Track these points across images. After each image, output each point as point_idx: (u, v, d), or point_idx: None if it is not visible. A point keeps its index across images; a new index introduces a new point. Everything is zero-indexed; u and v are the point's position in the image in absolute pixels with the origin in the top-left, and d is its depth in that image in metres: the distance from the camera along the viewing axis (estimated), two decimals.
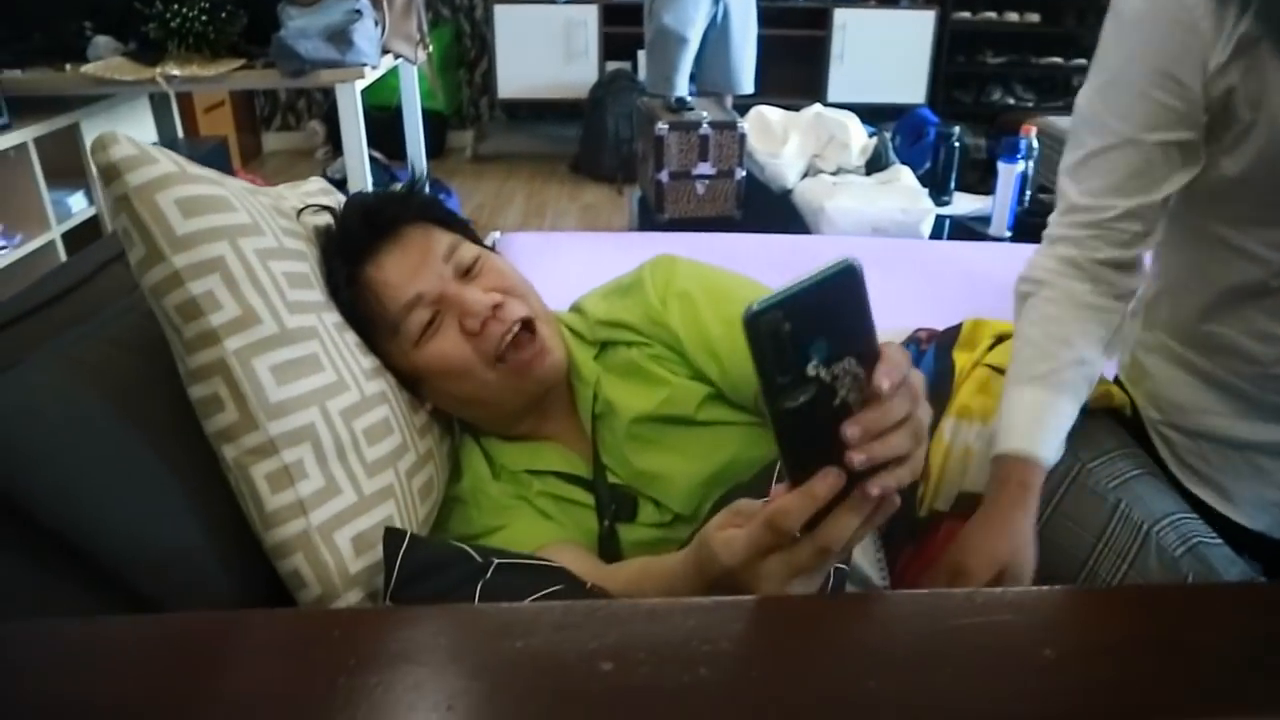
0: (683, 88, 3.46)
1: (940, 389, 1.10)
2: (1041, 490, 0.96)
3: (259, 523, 0.85)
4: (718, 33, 3.45)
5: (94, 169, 0.86)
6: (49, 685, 0.49)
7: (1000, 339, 1.16)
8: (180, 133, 3.29)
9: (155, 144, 0.90)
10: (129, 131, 0.89)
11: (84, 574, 0.78)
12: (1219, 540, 0.97)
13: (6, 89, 2.43)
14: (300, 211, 1.05)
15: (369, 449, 0.92)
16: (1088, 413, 1.03)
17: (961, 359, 1.14)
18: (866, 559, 1.01)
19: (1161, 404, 1.11)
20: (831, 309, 0.52)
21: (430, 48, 3.05)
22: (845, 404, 0.53)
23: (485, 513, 1.04)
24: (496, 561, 0.86)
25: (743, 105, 3.72)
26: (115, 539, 0.79)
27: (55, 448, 0.78)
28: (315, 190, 1.18)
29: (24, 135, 2.50)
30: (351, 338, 0.98)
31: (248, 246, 0.88)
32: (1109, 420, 1.10)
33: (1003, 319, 1.47)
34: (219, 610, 0.81)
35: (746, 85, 3.64)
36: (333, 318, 0.97)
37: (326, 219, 1.06)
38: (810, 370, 0.51)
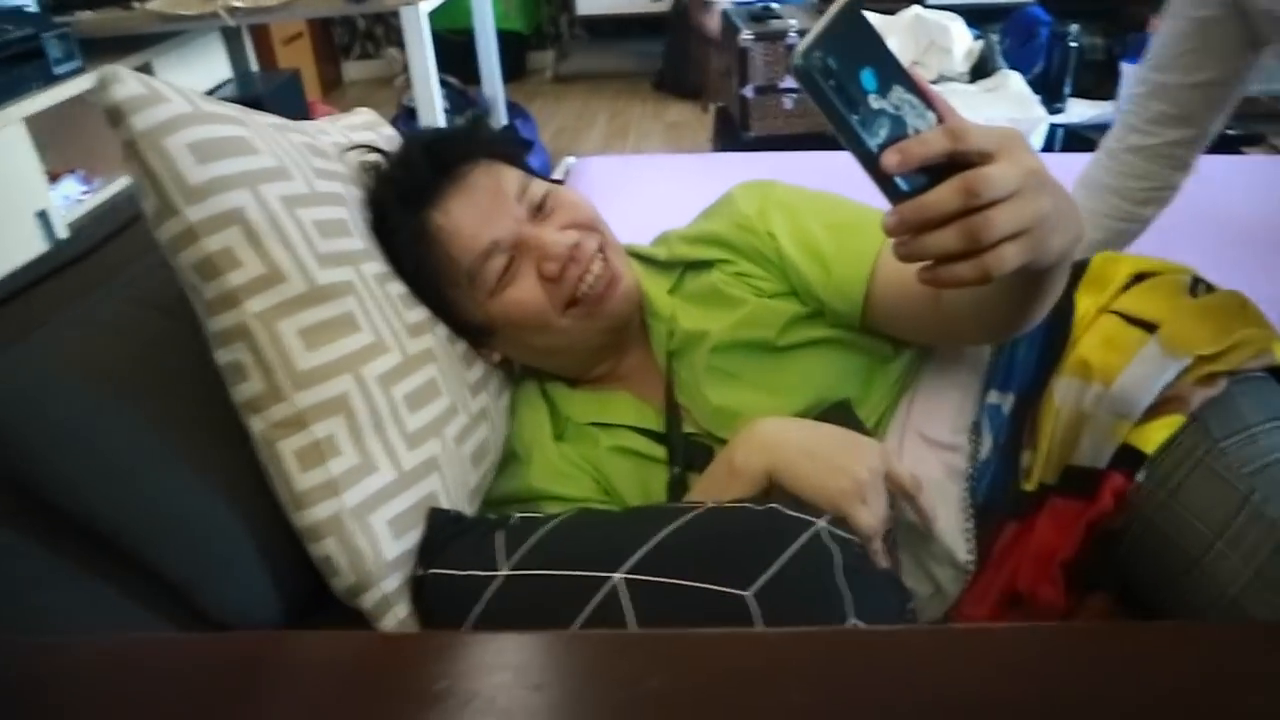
0: None
1: (1053, 339, 0.94)
2: (1154, 474, 0.84)
3: (289, 503, 0.78)
4: None
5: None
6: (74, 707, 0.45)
7: (1139, 277, 0.97)
8: (254, 66, 3.24)
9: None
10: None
11: (107, 558, 0.73)
12: None
13: (77, 31, 2.40)
14: (345, 151, 0.96)
15: (411, 417, 0.84)
16: (1234, 377, 0.87)
17: (1085, 302, 0.96)
18: (953, 529, 0.89)
19: None
20: (857, 40, 0.54)
21: None
22: (920, 135, 0.56)
23: (539, 474, 0.96)
24: (518, 515, 0.82)
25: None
26: (137, 523, 0.73)
27: (72, 425, 0.72)
28: (359, 123, 1.09)
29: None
30: (396, 288, 0.90)
31: (271, 193, 0.80)
32: (1263, 384, 0.90)
33: (1140, 252, 1.30)
34: (249, 606, 0.75)
35: None
36: (373, 268, 0.88)
37: (375, 158, 0.97)
38: (874, 103, 0.54)
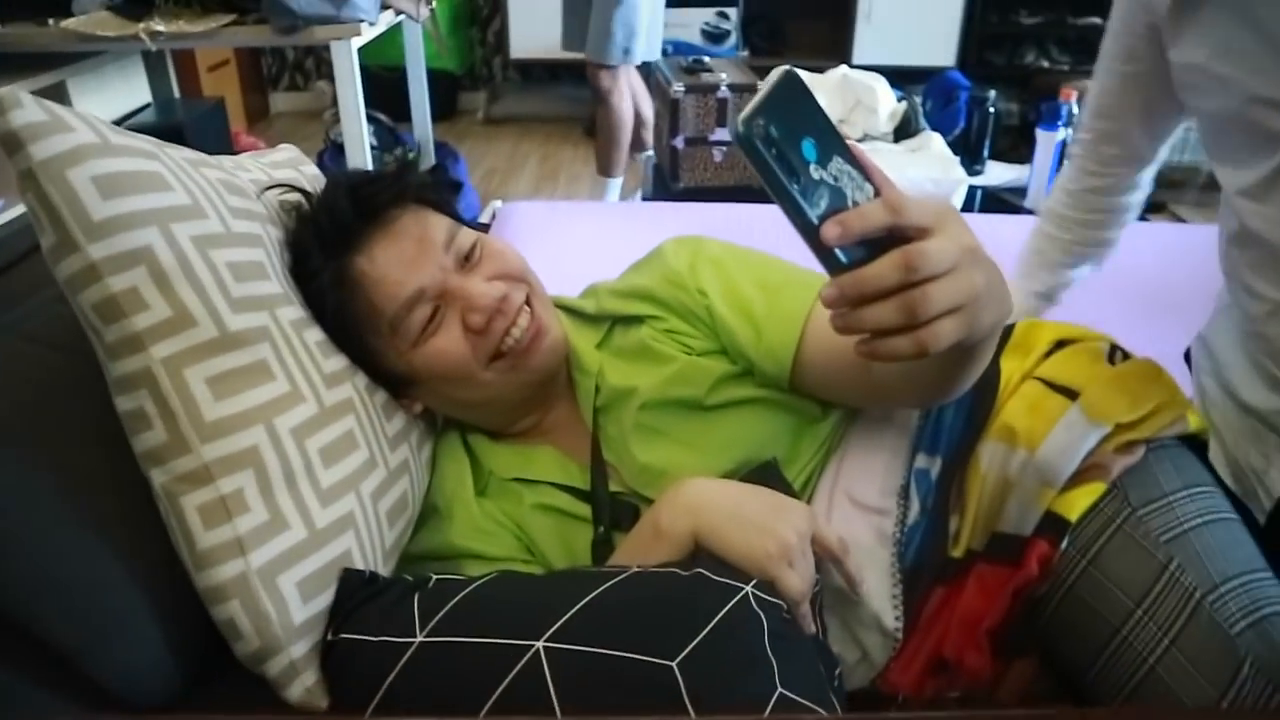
0: (638, 52, 3.05)
1: (979, 404, 0.94)
2: (1077, 541, 0.85)
3: (191, 562, 0.73)
4: None
5: None
6: None
7: (1060, 344, 0.99)
8: (177, 92, 3.15)
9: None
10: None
11: None
12: None
13: None
14: (263, 191, 0.93)
15: (326, 472, 0.80)
16: (1149, 446, 0.89)
17: (1009, 367, 0.97)
18: (881, 594, 0.89)
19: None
20: (798, 111, 0.55)
21: (434, 5, 2.89)
22: (859, 208, 0.56)
23: (460, 530, 0.93)
24: (435, 577, 0.79)
25: (765, 67, 3.55)
26: (20, 582, 0.68)
27: None
28: (281, 160, 1.05)
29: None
30: (313, 336, 0.87)
31: (183, 232, 0.76)
32: (1179, 453, 0.93)
33: (1051, 312, 1.34)
34: (142, 669, 0.69)
35: (598, 53, 3.06)
36: (290, 314, 0.84)
37: (296, 199, 0.94)
38: (814, 172, 0.54)
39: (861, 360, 0.85)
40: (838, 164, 0.56)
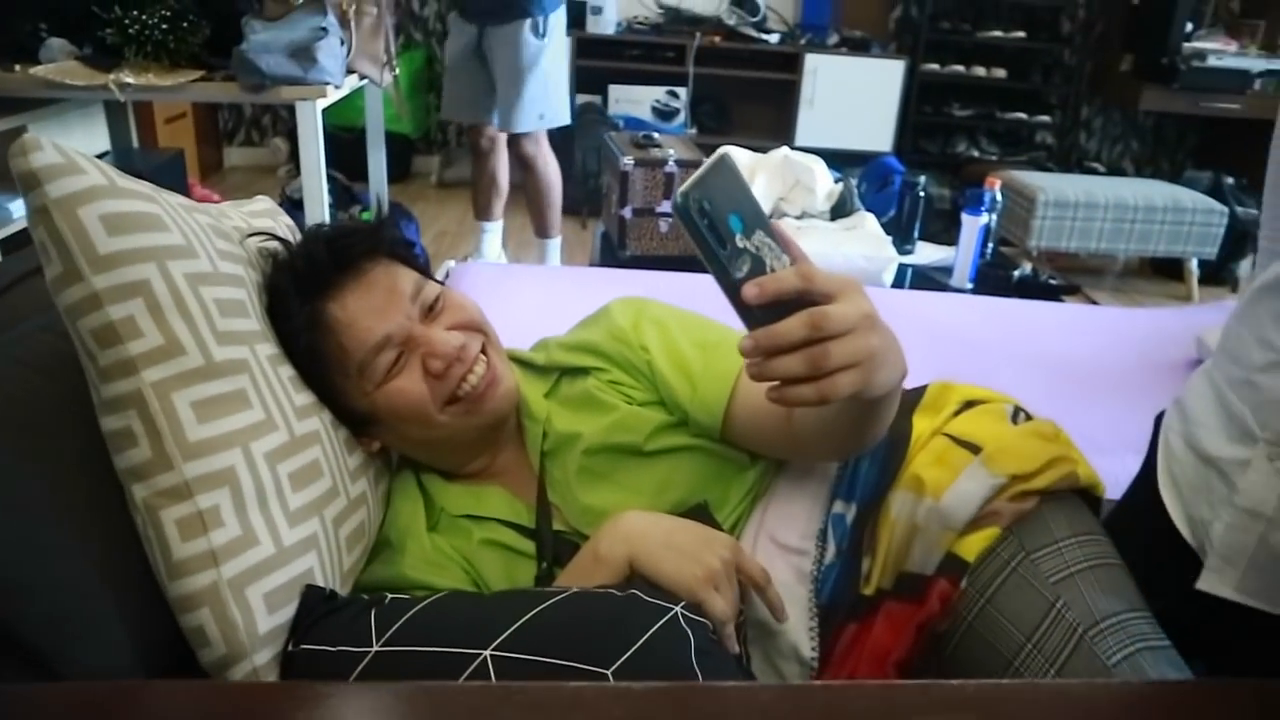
0: (451, 113, 3.52)
1: (891, 457, 1.03)
2: (976, 581, 0.93)
3: (164, 571, 0.79)
4: (491, 70, 3.32)
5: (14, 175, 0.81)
6: None
7: (968, 404, 1.08)
8: (135, 142, 3.20)
9: (106, 153, 0.85)
10: (80, 139, 0.84)
11: None
12: (1166, 643, 0.91)
13: None
14: (246, 237, 1.00)
15: (294, 495, 0.86)
16: (1044, 496, 0.98)
17: (921, 424, 1.06)
18: (799, 627, 0.96)
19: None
20: (729, 189, 0.63)
21: (398, 71, 3.00)
22: (775, 273, 0.65)
23: (412, 563, 0.99)
24: (391, 596, 0.85)
25: (711, 145, 3.71)
26: (2, 582, 0.72)
27: None
28: (261, 210, 1.13)
29: None
30: (286, 371, 0.93)
31: (177, 270, 0.83)
32: (1070, 503, 1.01)
33: (970, 381, 1.44)
34: (111, 673, 0.74)
35: (511, 123, 3.36)
36: (267, 349, 0.91)
37: (275, 246, 1.01)
38: (739, 242, 0.63)
39: (782, 414, 0.95)
40: (760, 236, 0.65)
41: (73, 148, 0.82)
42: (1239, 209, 4.25)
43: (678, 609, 0.80)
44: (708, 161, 0.64)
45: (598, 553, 0.89)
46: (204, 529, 0.79)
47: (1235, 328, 1.06)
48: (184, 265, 0.84)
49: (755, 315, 0.65)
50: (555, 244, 3.69)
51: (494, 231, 3.69)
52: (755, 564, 0.91)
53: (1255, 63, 4.85)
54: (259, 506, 0.83)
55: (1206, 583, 0.99)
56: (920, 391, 1.13)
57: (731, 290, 0.64)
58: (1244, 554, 0.97)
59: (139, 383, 0.79)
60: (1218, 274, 4.44)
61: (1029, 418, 1.10)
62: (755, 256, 0.65)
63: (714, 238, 0.62)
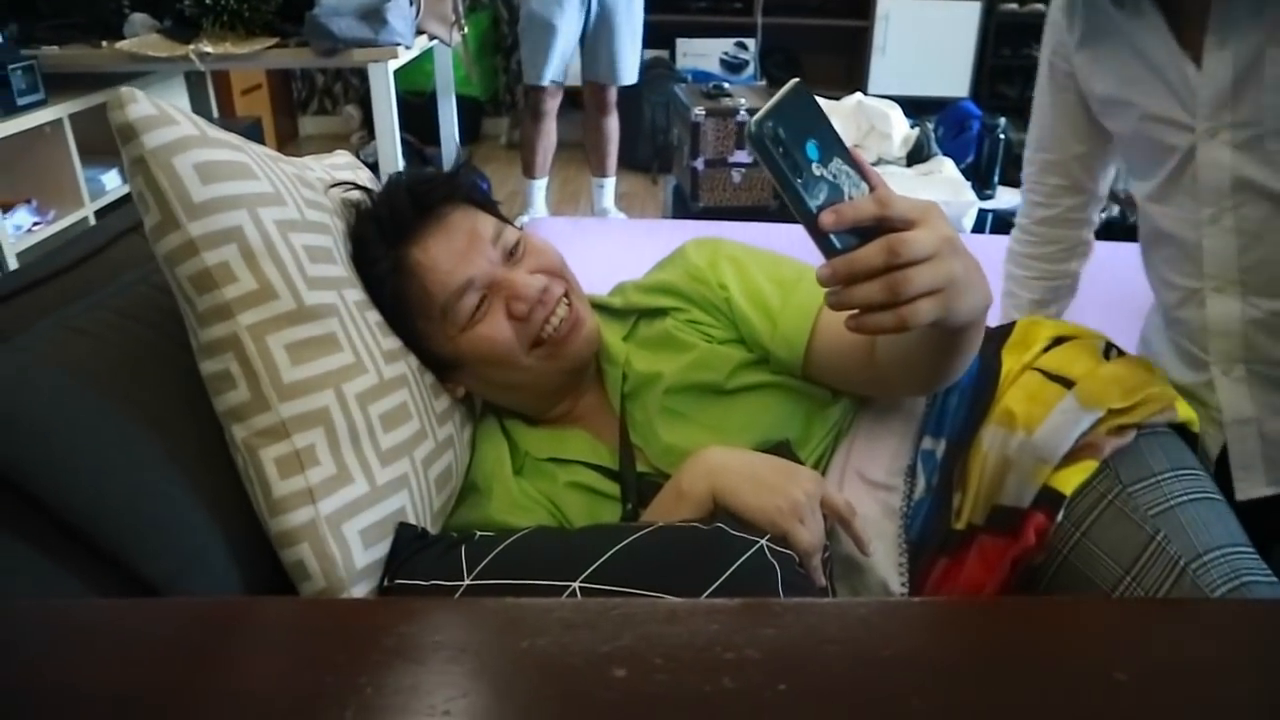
0: (551, 76, 3.38)
1: (981, 392, 1.01)
2: (1071, 514, 0.92)
3: (265, 508, 0.82)
4: (596, 22, 3.35)
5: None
6: (41, 668, 0.47)
7: (1058, 340, 1.06)
8: (215, 113, 3.28)
9: (178, 106, 0.87)
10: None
11: (84, 553, 0.75)
12: (1273, 579, 0.89)
13: (43, 65, 2.42)
14: (330, 187, 1.02)
15: (385, 435, 0.88)
16: (1140, 430, 0.97)
17: (1010, 361, 1.04)
18: (888, 563, 0.96)
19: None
20: (804, 116, 0.62)
21: (466, 30, 3.02)
22: (853, 200, 0.64)
23: (499, 506, 1.01)
24: (479, 533, 0.87)
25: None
26: (114, 518, 0.76)
27: (54, 422, 0.75)
28: (342, 164, 1.15)
29: (60, 111, 2.49)
30: (374, 317, 0.95)
31: (268, 216, 0.85)
32: (1167, 438, 1.00)
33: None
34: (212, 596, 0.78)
35: (628, 76, 3.52)
36: (354, 295, 0.93)
37: (358, 196, 1.03)
38: (816, 170, 0.62)
39: (866, 347, 0.94)
40: (837, 164, 0.64)
41: (165, 102, 0.84)
42: None
43: (763, 541, 0.80)
44: (783, 89, 0.62)
45: (681, 488, 0.89)
46: (301, 467, 0.82)
47: (1148, 276, 1.24)
48: (274, 212, 0.86)
49: (833, 243, 0.64)
50: (613, 181, 3.83)
51: (543, 187, 3.76)
52: (839, 497, 0.90)
53: None
54: (352, 446, 0.85)
55: (1243, 492, 1.08)
56: (1009, 328, 1.11)
57: (808, 219, 0.63)
58: (1255, 455, 1.10)
59: (235, 326, 0.81)
60: None
61: (1121, 354, 1.08)
62: (833, 184, 0.64)
63: (789, 165, 0.61)
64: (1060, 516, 0.93)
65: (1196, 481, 0.96)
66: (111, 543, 0.76)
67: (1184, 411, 1.03)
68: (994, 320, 1.04)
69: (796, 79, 0.64)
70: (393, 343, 0.97)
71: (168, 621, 0.54)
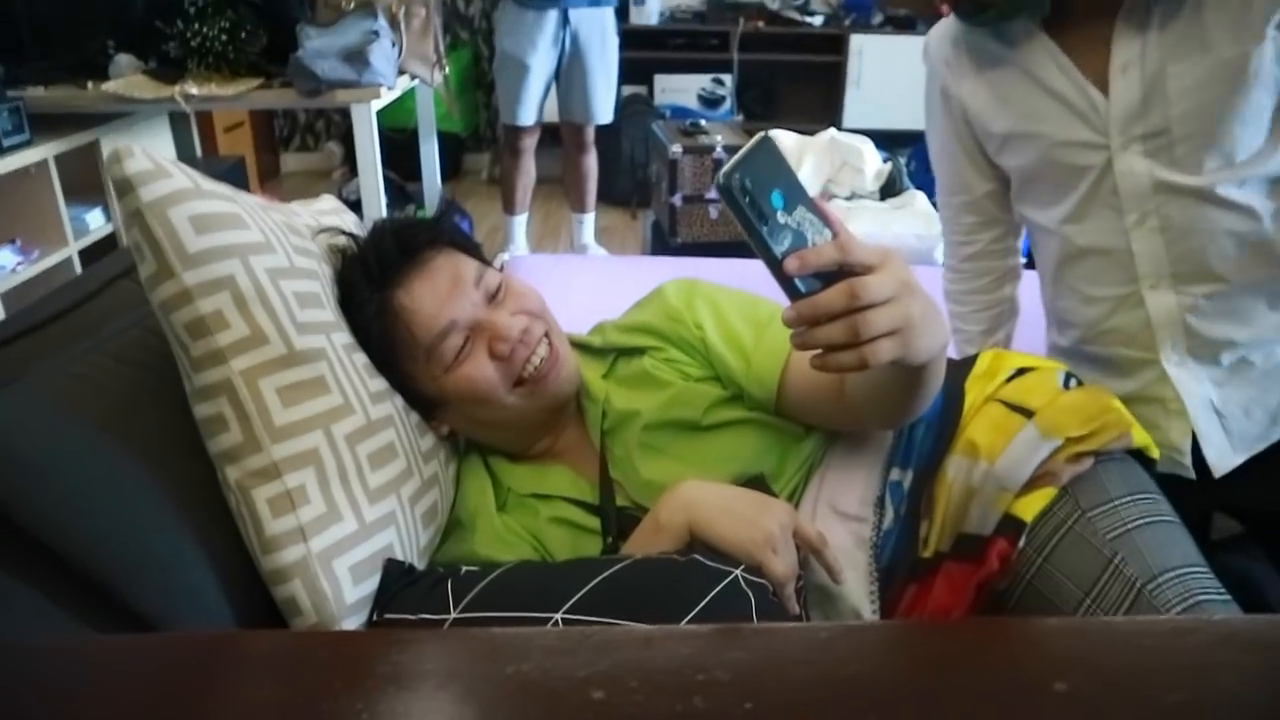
0: (527, 116, 3.42)
1: (946, 424, 1.05)
2: (1033, 540, 0.96)
3: (257, 547, 0.85)
4: (570, 62, 3.39)
5: (109, 182, 0.87)
6: (38, 705, 0.49)
7: (1020, 371, 1.10)
8: (199, 151, 3.32)
9: (173, 160, 0.91)
10: (147, 149, 0.89)
11: (80, 590, 0.78)
12: (1227, 597, 0.92)
13: (29, 106, 2.46)
14: (317, 233, 1.06)
15: (372, 474, 0.92)
16: (1098, 457, 1.01)
17: (974, 392, 1.08)
18: (859, 591, 0.99)
19: None
20: (770, 168, 0.66)
21: (448, 70, 3.07)
22: (816, 246, 0.68)
23: (483, 541, 1.03)
24: (464, 568, 0.90)
25: (758, 130, 3.72)
26: (110, 556, 0.79)
27: (53, 462, 0.78)
28: (328, 208, 1.19)
29: (45, 152, 2.52)
30: (360, 359, 0.99)
31: (259, 265, 0.89)
32: (1124, 464, 1.03)
33: (1027, 350, 1.46)
34: (208, 630, 0.80)
35: (603, 116, 3.55)
36: (342, 338, 0.97)
37: (344, 242, 1.07)
38: (781, 218, 0.66)
39: (835, 384, 0.98)
40: (801, 212, 0.68)
41: (159, 154, 0.88)
42: None
43: (738, 571, 0.83)
44: (750, 142, 0.66)
45: (659, 521, 0.93)
46: (292, 506, 0.85)
47: (1054, 305, 1.34)
48: (265, 260, 0.89)
49: (798, 288, 0.68)
50: (593, 216, 3.87)
51: (524, 222, 3.81)
52: (811, 528, 0.94)
53: None
54: (341, 485, 0.88)
55: (1220, 468, 1.22)
56: (973, 360, 1.15)
57: (774, 264, 0.67)
58: (1218, 428, 1.22)
59: (228, 371, 0.85)
60: None
61: (1080, 383, 1.12)
62: (797, 231, 0.67)
63: (756, 215, 0.65)
64: (1022, 542, 0.96)
65: (1152, 505, 1.00)
66: (107, 579, 0.79)
67: (1140, 437, 1.06)
68: (951, 354, 1.09)
69: (764, 133, 0.68)
70: (379, 384, 1.00)
71: (166, 654, 0.56)
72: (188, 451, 0.88)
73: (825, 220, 0.70)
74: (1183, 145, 1.14)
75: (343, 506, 0.88)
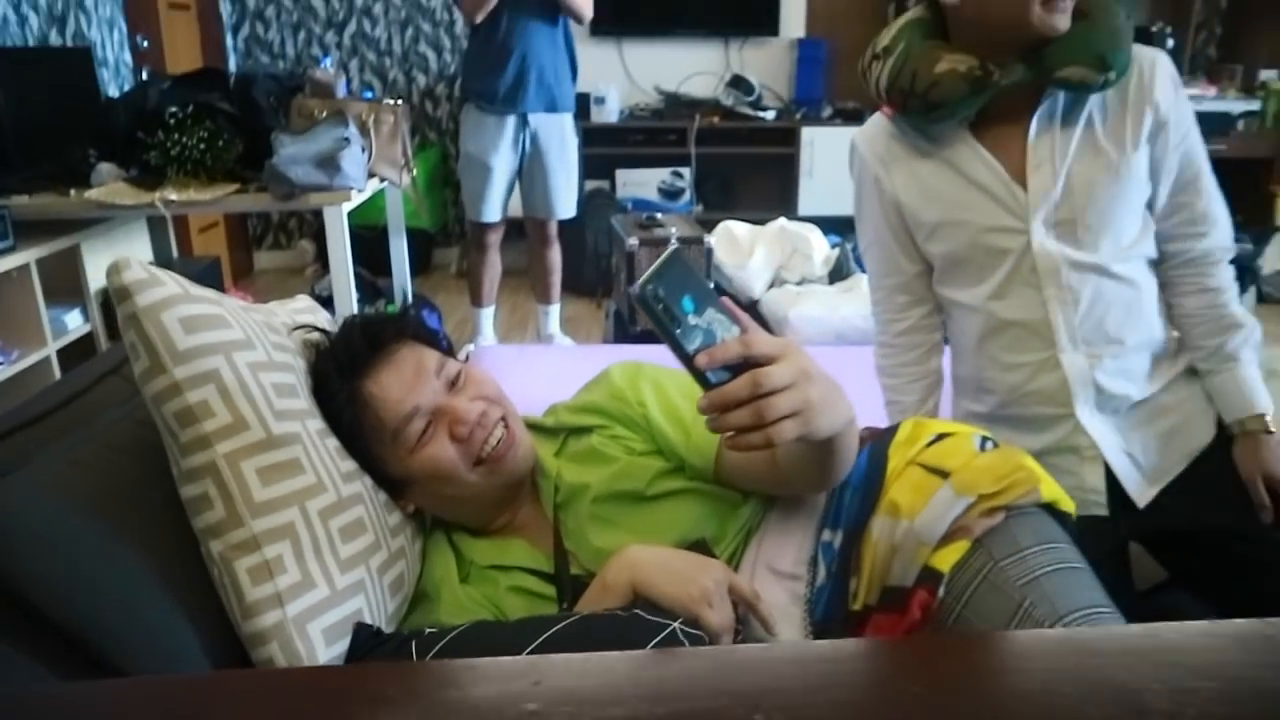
0: (491, 213, 3.59)
1: (871, 487, 1.14)
2: (952, 590, 1.04)
3: (238, 612, 0.93)
4: (530, 161, 3.56)
5: (107, 290, 0.97)
6: None
7: (940, 436, 1.18)
8: (175, 252, 3.43)
9: (152, 263, 1.01)
10: (125, 251, 1.01)
11: (79, 656, 0.86)
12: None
13: (14, 214, 2.55)
14: (293, 330, 1.16)
15: (343, 546, 1.00)
16: (1009, 512, 1.09)
17: (896, 458, 1.16)
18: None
19: None
20: (681, 277, 0.75)
21: (415, 171, 3.22)
22: (723, 343, 0.77)
23: (447, 610, 1.11)
24: (427, 630, 0.98)
25: (716, 220, 3.90)
26: (106, 624, 0.87)
27: (55, 542, 0.87)
28: (303, 307, 1.30)
29: (27, 256, 2.60)
30: (333, 443, 1.08)
31: (241, 360, 0.99)
32: (1035, 517, 1.11)
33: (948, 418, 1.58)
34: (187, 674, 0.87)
35: (565, 211, 3.72)
36: (315, 424, 1.07)
37: (317, 337, 1.17)
38: (692, 320, 0.75)
39: (768, 457, 1.08)
40: (711, 313, 0.78)
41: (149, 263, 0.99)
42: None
43: (676, 625, 0.92)
44: (661, 257, 0.76)
45: (605, 582, 1.02)
46: (270, 575, 0.93)
47: (971, 375, 1.52)
48: (246, 356, 1.00)
49: (709, 380, 0.77)
50: (558, 307, 4.02)
51: (491, 314, 3.94)
52: (745, 584, 1.03)
53: (1235, 105, 5.02)
54: (315, 556, 0.97)
55: (1141, 499, 1.40)
56: (895, 429, 1.26)
57: (687, 360, 0.76)
58: (1130, 466, 1.40)
59: (213, 454, 0.94)
60: None
61: (996, 445, 1.22)
62: (707, 330, 0.77)
63: (669, 319, 0.74)
64: (942, 592, 1.04)
65: (1060, 553, 1.07)
66: (101, 644, 0.87)
67: (1050, 491, 1.15)
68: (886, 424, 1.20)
69: (674, 247, 0.79)
70: (350, 465, 1.09)
71: (148, 696, 0.64)
72: (173, 530, 0.97)
73: (734, 319, 0.80)
74: (1084, 230, 1.37)
75: (316, 575, 0.96)
